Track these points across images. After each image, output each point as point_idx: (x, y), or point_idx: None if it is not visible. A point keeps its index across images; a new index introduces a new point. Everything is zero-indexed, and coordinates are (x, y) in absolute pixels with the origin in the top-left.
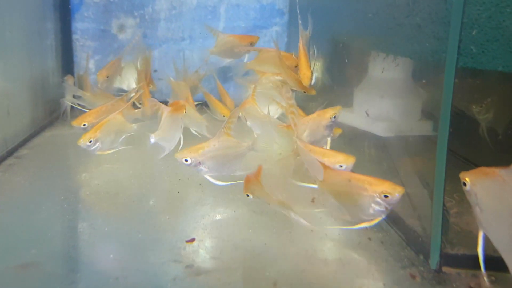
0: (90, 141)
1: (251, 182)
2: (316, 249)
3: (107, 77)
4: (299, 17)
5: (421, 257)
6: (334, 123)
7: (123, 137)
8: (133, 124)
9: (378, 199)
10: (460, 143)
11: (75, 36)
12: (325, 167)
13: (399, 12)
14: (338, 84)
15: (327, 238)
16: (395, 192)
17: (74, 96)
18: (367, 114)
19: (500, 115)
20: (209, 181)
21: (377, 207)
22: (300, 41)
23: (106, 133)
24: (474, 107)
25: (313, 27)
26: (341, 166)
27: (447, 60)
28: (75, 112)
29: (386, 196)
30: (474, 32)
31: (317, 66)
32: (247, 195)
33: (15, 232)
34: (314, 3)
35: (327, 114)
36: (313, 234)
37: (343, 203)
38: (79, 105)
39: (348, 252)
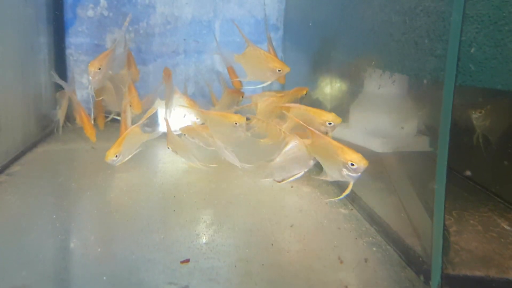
0: (116, 156)
1: (172, 138)
2: (315, 270)
3: (99, 68)
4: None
5: (422, 278)
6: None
7: (138, 148)
8: (147, 134)
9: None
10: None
11: (68, 51)
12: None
13: (396, 29)
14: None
15: (324, 258)
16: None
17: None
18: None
19: (496, 124)
20: (205, 199)
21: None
22: (268, 42)
23: (127, 146)
24: (473, 112)
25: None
26: (330, 123)
27: (445, 78)
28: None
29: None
30: (472, 50)
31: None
32: (168, 148)
33: (4, 252)
34: (309, 17)
35: (324, 117)
36: (314, 255)
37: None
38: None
39: (347, 272)
